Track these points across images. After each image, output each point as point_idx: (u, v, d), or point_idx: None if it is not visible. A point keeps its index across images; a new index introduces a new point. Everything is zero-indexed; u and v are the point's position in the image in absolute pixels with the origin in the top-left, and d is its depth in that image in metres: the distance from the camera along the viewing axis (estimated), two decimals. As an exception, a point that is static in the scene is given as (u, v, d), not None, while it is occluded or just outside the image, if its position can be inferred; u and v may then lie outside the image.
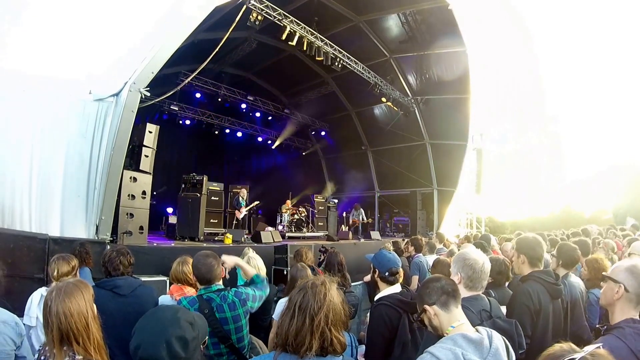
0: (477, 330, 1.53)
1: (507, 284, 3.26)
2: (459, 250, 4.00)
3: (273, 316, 3.04)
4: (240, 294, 2.41)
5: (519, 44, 30.76)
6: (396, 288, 2.56)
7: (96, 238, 5.26)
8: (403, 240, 7.60)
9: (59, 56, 5.43)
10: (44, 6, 5.52)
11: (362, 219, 13.92)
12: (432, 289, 1.68)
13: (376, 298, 2.58)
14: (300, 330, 1.39)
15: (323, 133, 16.98)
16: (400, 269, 2.67)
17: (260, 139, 16.37)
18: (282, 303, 3.02)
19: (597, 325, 1.84)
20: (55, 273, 2.70)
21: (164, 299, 2.80)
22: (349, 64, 10.98)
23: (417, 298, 1.78)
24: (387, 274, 2.55)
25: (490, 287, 3.01)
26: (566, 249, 3.09)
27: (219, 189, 10.34)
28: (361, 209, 14.08)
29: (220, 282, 2.50)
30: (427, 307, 1.66)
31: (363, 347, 2.76)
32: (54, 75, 5.29)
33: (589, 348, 1.09)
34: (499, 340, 1.49)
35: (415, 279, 5.08)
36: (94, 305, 1.70)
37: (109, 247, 4.88)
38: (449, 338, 1.44)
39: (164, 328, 1.39)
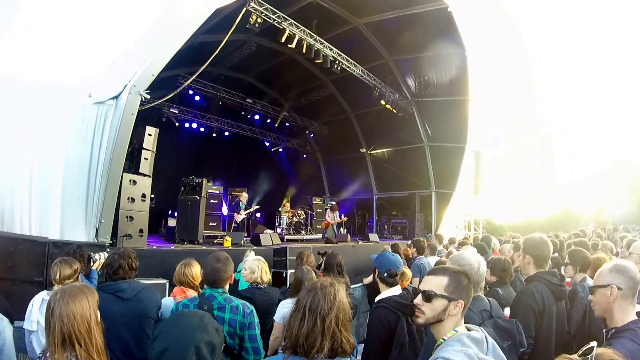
0: (469, 329, 1.52)
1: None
2: (458, 251, 4.02)
3: (274, 318, 3.03)
4: (247, 307, 2.39)
5: (512, 47, 30.95)
6: (396, 290, 2.58)
7: (96, 241, 5.23)
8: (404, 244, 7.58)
9: (58, 60, 5.43)
10: (39, 9, 5.51)
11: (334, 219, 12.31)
12: None
13: (376, 300, 2.60)
14: (312, 331, 1.38)
15: (322, 135, 16.97)
16: (401, 271, 2.68)
17: (259, 141, 16.36)
18: (283, 305, 3.01)
19: (604, 330, 1.81)
20: (57, 276, 2.66)
21: (167, 302, 2.79)
22: (348, 67, 11.00)
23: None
24: (385, 275, 2.58)
25: (497, 285, 3.07)
26: (580, 255, 3.15)
27: (218, 191, 10.33)
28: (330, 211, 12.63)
29: (227, 288, 2.49)
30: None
31: (362, 345, 2.77)
32: (54, 79, 5.29)
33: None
34: (491, 338, 1.49)
35: (416, 281, 5.08)
36: (98, 311, 1.69)
37: (109, 250, 4.86)
38: (456, 340, 1.41)
39: (192, 333, 1.38)
